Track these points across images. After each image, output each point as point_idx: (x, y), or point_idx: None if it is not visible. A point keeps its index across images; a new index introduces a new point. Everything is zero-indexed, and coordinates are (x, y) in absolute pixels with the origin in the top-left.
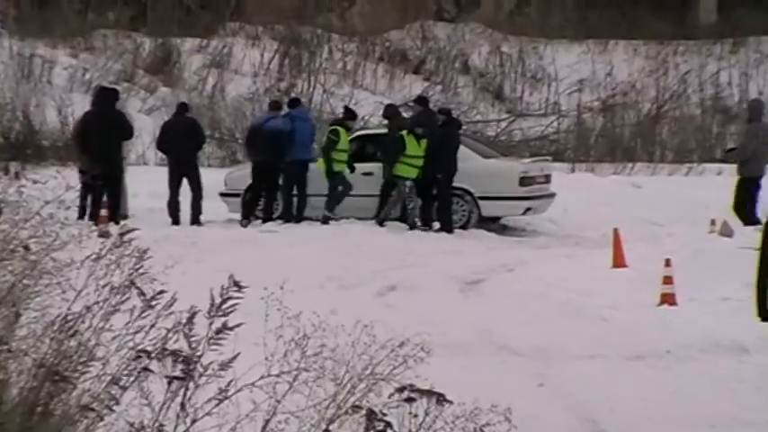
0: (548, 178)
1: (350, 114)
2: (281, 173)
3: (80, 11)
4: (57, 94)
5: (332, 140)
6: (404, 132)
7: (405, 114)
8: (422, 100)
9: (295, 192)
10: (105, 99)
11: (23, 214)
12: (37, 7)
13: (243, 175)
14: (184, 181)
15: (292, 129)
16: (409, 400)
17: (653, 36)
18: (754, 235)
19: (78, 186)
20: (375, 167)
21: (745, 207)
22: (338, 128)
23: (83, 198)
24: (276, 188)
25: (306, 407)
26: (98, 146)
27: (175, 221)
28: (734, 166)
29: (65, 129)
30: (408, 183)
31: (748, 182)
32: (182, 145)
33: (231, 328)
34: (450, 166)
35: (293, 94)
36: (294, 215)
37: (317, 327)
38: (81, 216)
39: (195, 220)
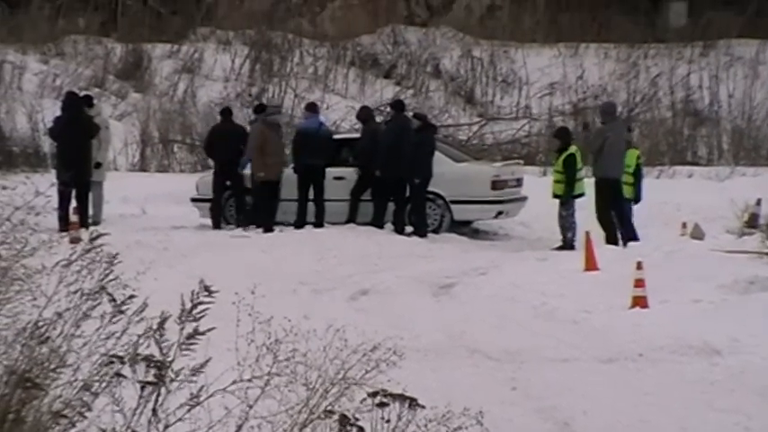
0: (519, 182)
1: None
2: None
3: (50, 16)
4: (27, 100)
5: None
6: (574, 149)
7: (378, 118)
8: (397, 104)
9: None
10: (73, 104)
11: None
12: (7, 13)
13: None
14: None
15: None
16: (382, 404)
17: (624, 39)
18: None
19: (50, 192)
20: (347, 172)
21: (609, 215)
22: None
23: (63, 208)
24: (323, 192)
25: (278, 412)
26: (67, 151)
27: (216, 225)
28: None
29: (35, 135)
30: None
31: (605, 184)
32: (230, 150)
33: (202, 333)
34: (427, 170)
35: (264, 99)
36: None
37: (288, 331)
38: (64, 227)
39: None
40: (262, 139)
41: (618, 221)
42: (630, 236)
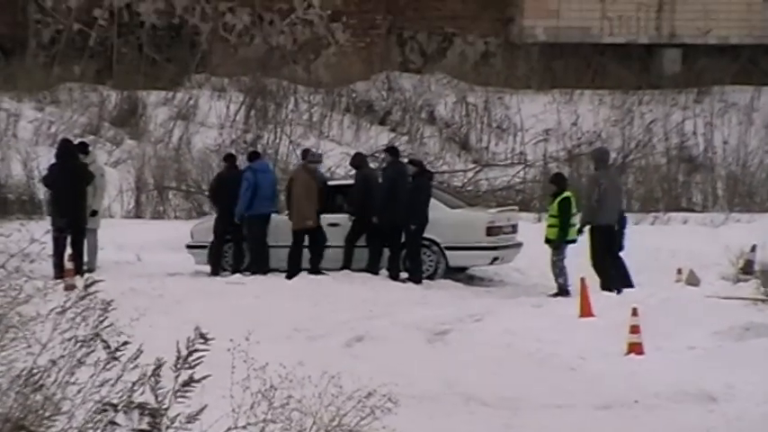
0: (514, 228)
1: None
2: (246, 226)
3: (46, 64)
4: (22, 147)
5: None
6: (569, 194)
7: (372, 165)
8: (392, 150)
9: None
10: (67, 151)
11: None
12: (2, 61)
13: (210, 227)
14: None
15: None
16: None
17: (618, 85)
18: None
19: (45, 239)
20: (342, 218)
21: (604, 262)
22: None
23: (58, 255)
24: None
25: None
26: (61, 198)
27: (215, 272)
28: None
29: (30, 182)
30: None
31: (599, 231)
32: (233, 196)
33: (198, 381)
34: (423, 216)
35: (260, 146)
36: (261, 267)
37: (283, 378)
38: (59, 274)
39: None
40: (306, 187)
41: (613, 268)
42: (625, 282)
